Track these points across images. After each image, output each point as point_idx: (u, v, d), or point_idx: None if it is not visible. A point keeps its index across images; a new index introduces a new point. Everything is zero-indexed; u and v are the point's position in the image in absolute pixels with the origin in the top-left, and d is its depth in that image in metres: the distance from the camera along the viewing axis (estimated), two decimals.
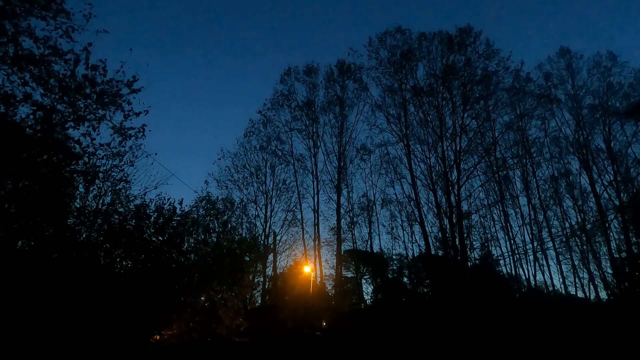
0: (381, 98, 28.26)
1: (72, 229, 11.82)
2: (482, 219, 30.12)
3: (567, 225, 28.17)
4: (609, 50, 28.23)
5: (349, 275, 30.28)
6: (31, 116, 8.92)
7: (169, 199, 14.38)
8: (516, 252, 27.73)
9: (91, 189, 12.62)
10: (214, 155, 36.61)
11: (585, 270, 26.47)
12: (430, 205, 27.57)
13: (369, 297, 29.67)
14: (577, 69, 28.03)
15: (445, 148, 25.46)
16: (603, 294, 25.13)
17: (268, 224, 28.83)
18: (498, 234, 30.07)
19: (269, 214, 29.19)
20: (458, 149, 25.28)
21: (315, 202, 29.47)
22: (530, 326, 16.89)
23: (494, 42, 25.73)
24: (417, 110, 26.91)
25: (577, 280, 27.22)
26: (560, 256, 27.29)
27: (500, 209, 28.93)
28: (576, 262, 27.35)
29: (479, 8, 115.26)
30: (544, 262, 27.87)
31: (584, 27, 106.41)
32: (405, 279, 29.36)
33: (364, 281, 30.49)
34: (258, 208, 29.29)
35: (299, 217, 29.84)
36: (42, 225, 10.34)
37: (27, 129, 8.98)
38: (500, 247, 30.09)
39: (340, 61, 30.44)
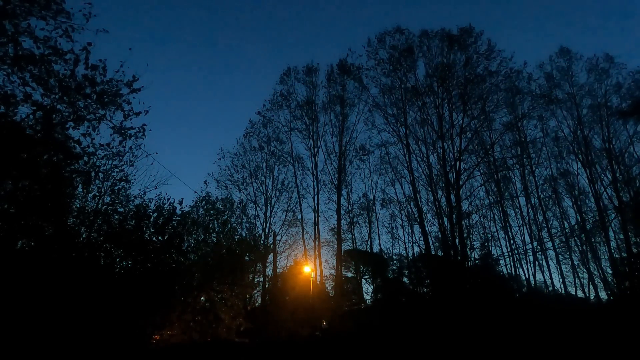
0: (380, 98, 28.27)
1: (72, 229, 11.82)
2: (482, 219, 30.16)
3: (566, 225, 28.22)
4: (606, 52, 28.33)
5: (349, 276, 30.29)
6: (31, 116, 8.93)
7: (168, 199, 14.41)
8: (516, 252, 27.76)
9: (91, 188, 12.62)
10: (214, 155, 36.69)
11: (585, 270, 26.49)
12: (430, 205, 27.57)
13: (369, 297, 29.69)
14: (577, 70, 28.11)
15: (445, 148, 25.47)
16: (603, 294, 25.17)
17: (268, 224, 28.84)
18: (498, 234, 30.11)
19: (268, 214, 29.20)
20: (458, 148, 25.29)
21: (315, 202, 29.48)
22: (530, 326, 16.89)
23: (496, 43, 25.78)
24: (416, 111, 26.94)
25: (577, 280, 27.26)
26: (560, 256, 27.32)
27: (500, 209, 28.96)
28: (576, 262, 27.39)
29: (479, 8, 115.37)
30: (544, 262, 27.93)
31: (583, 27, 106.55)
32: (405, 279, 29.35)
33: (364, 281, 30.50)
34: (258, 208, 29.30)
35: (299, 217, 29.86)
36: (42, 225, 10.34)
37: (27, 129, 8.98)
38: (500, 247, 30.07)
39: (342, 60, 30.38)
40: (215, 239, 16.82)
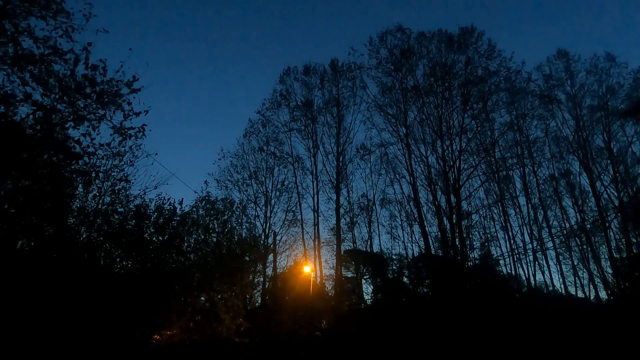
0: (381, 97, 28.26)
1: (72, 229, 11.81)
2: (482, 219, 30.17)
3: (567, 225, 28.21)
4: (607, 52, 28.25)
5: (349, 275, 30.28)
6: (31, 116, 8.92)
7: (169, 199, 14.38)
8: (516, 252, 27.76)
9: (91, 188, 12.62)
10: (214, 155, 36.73)
11: (585, 270, 26.49)
12: (429, 205, 27.59)
13: (369, 297, 29.67)
14: (576, 71, 28.08)
15: (445, 148, 25.48)
16: (603, 294, 25.16)
17: (268, 224, 28.86)
18: (498, 234, 30.12)
19: (268, 214, 29.21)
20: (458, 148, 25.30)
21: (315, 202, 29.51)
22: (530, 326, 16.89)
23: (496, 43, 25.76)
24: (417, 110, 26.94)
25: (577, 280, 27.26)
26: (560, 256, 27.34)
27: (500, 209, 28.96)
28: (576, 262, 27.40)
29: (477, 9, 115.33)
30: (544, 262, 27.93)
31: (581, 28, 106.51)
32: (405, 279, 29.34)
33: (364, 281, 30.50)
34: (258, 208, 29.31)
35: (298, 217, 29.89)
36: (42, 225, 10.33)
37: (27, 129, 8.97)
38: (500, 247, 30.09)
39: (333, 60, 30.42)
40: (215, 239, 16.80)
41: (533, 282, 27.24)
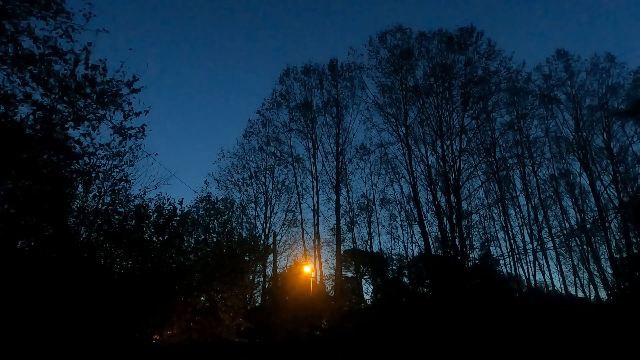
0: (381, 97, 28.26)
1: (72, 229, 11.82)
2: (482, 219, 30.15)
3: (567, 225, 28.21)
4: (607, 52, 28.24)
5: (349, 275, 30.27)
6: (31, 116, 8.91)
7: (169, 199, 14.37)
8: (516, 252, 27.75)
9: (91, 188, 12.63)
10: (214, 155, 36.74)
11: (585, 270, 26.50)
12: (429, 205, 27.57)
13: (369, 297, 29.66)
14: (576, 71, 28.08)
15: (445, 148, 25.49)
16: (603, 294, 25.15)
17: (268, 224, 28.88)
18: (498, 234, 30.11)
19: (268, 214, 29.23)
20: (458, 148, 25.31)
21: (315, 202, 29.52)
22: (530, 326, 16.89)
23: (496, 42, 25.84)
24: (417, 110, 26.95)
25: (577, 280, 27.27)
26: (560, 256, 27.34)
27: (500, 208, 28.96)
28: (576, 262, 27.40)
29: (476, 9, 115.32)
30: (544, 262, 27.94)
31: (581, 28, 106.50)
32: (405, 279, 29.32)
33: (364, 281, 30.48)
34: (258, 208, 29.33)
35: (298, 217, 29.91)
36: (42, 225, 10.33)
37: (27, 129, 8.97)
38: (500, 247, 30.07)
39: (332, 60, 30.41)
40: (215, 239, 16.80)
41: (533, 282, 27.26)
